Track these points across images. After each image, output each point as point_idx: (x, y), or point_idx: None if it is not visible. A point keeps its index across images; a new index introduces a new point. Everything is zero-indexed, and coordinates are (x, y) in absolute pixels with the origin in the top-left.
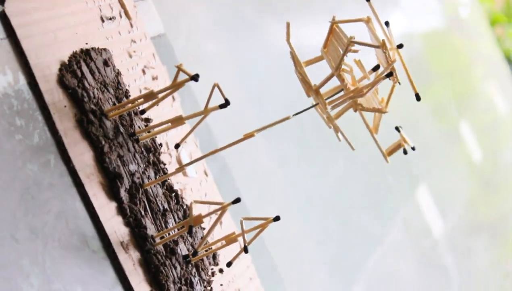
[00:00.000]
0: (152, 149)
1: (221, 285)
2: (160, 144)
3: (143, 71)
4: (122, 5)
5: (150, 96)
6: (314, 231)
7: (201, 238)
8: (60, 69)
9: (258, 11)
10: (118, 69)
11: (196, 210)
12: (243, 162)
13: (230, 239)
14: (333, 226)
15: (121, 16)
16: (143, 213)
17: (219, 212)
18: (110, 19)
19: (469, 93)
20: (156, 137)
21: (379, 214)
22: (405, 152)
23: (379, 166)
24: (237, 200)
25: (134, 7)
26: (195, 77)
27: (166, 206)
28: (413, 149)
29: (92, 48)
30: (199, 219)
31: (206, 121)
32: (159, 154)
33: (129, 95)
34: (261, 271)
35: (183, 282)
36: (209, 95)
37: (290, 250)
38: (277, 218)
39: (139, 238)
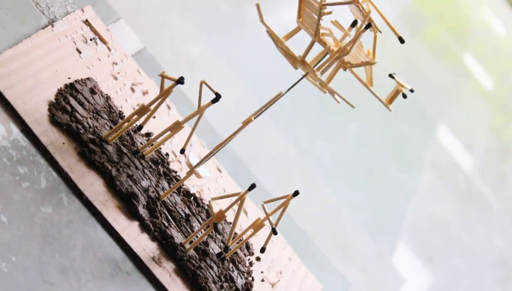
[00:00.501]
0: (160, 161)
1: (262, 272)
2: (167, 154)
3: (132, 89)
4: (95, 32)
5: (143, 110)
6: (345, 197)
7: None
8: (49, 109)
9: (234, 4)
10: (106, 94)
11: (217, 207)
12: (255, 150)
13: (257, 226)
14: (363, 188)
15: (96, 43)
16: (166, 224)
17: (239, 203)
18: (86, 42)
19: (465, 25)
20: (160, 148)
21: (406, 164)
22: (404, 96)
23: (394, 118)
24: (253, 186)
25: (108, 31)
26: (180, 80)
27: (187, 211)
28: (411, 90)
29: (76, 80)
30: (221, 214)
31: (208, 121)
32: (168, 164)
33: (124, 116)
34: (299, 250)
35: (223, 279)
36: (199, 94)
37: (326, 223)
38: (296, 193)
39: (169, 249)
